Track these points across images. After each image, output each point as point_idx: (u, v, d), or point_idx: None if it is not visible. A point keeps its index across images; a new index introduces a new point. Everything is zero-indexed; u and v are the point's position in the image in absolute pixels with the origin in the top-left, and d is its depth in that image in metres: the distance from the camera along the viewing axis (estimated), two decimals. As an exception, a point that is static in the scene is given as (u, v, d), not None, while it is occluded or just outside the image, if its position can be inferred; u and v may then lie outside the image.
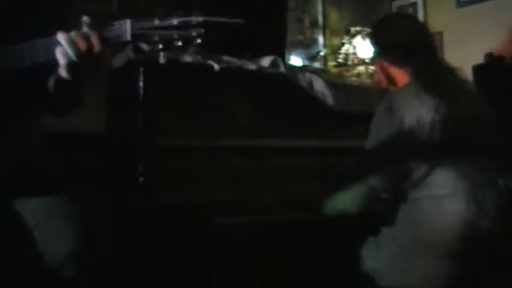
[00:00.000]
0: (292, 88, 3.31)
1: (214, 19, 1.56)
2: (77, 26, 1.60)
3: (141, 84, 2.76)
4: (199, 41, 1.55)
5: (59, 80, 1.70)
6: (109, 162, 2.97)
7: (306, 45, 4.93)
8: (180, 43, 1.54)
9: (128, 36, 1.55)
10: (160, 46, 1.56)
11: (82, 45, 1.57)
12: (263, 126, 3.09)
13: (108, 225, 2.07)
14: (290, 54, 4.65)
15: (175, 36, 1.54)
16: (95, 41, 1.58)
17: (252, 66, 3.17)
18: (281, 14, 4.39)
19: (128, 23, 1.56)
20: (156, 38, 1.55)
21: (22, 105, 1.91)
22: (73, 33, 1.57)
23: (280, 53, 3.93)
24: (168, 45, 1.56)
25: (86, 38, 1.58)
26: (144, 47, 1.63)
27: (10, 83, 1.70)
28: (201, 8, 3.33)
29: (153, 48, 1.60)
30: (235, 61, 3.05)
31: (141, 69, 2.74)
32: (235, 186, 2.84)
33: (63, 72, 1.62)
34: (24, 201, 1.88)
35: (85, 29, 1.59)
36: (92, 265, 1.80)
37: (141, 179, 2.68)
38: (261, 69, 3.22)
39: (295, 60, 4.74)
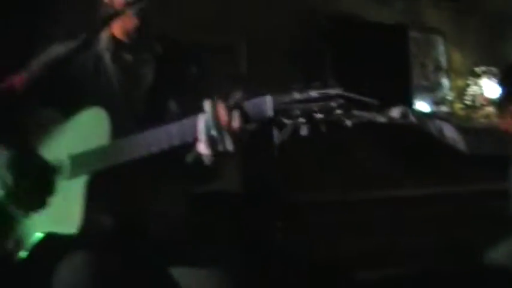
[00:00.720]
0: (423, 137, 3.30)
1: (351, 95, 1.49)
2: (219, 100, 1.60)
3: (275, 142, 2.85)
4: (339, 111, 1.49)
5: (199, 156, 1.71)
6: (246, 220, 3.04)
7: (431, 90, 4.90)
8: (320, 115, 1.48)
9: (270, 112, 1.52)
10: (302, 119, 1.49)
11: (224, 120, 1.57)
12: (397, 177, 3.10)
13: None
14: (416, 99, 4.63)
15: (316, 109, 1.48)
16: (237, 115, 1.56)
17: (382, 119, 3.19)
18: (404, 61, 4.39)
19: (268, 98, 1.53)
20: (297, 112, 1.50)
21: (170, 175, 2.02)
22: (215, 106, 1.59)
23: (407, 101, 3.94)
24: (309, 118, 1.49)
25: (228, 114, 1.57)
26: (286, 121, 1.52)
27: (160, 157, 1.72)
28: (329, 66, 3.38)
29: (294, 123, 1.50)
30: (365, 115, 3.07)
31: (275, 129, 2.83)
32: (373, 239, 2.86)
33: (203, 149, 1.64)
34: (178, 266, 1.96)
35: (228, 103, 1.58)
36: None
37: (279, 235, 2.74)
38: (391, 120, 3.23)
39: (421, 105, 4.72)
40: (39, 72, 2.04)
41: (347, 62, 3.77)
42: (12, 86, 2.08)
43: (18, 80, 2.11)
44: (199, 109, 1.62)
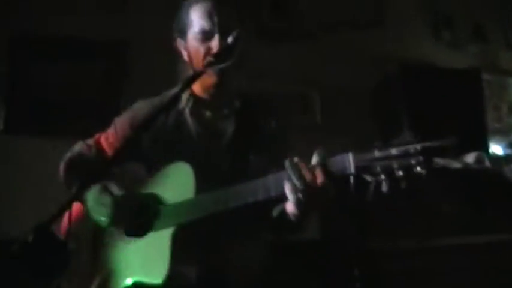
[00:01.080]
0: (499, 182, 3.28)
1: (431, 145, 1.50)
2: (302, 160, 1.63)
3: (352, 192, 2.87)
4: (419, 169, 1.48)
5: (285, 212, 1.78)
6: (324, 267, 3.05)
7: (505, 132, 4.85)
8: (401, 172, 1.48)
9: (352, 169, 1.54)
10: (382, 177, 1.51)
11: (308, 178, 1.60)
12: (473, 223, 3.08)
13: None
14: (489, 142, 4.59)
15: (396, 166, 1.49)
16: (320, 173, 1.58)
17: (457, 165, 3.18)
18: (479, 105, 4.38)
19: (350, 156, 1.55)
20: (378, 169, 1.51)
21: (254, 228, 2.07)
22: (298, 164, 1.62)
23: (482, 144, 3.92)
24: (390, 176, 1.50)
25: (312, 173, 1.60)
26: (367, 178, 1.53)
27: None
28: (404, 113, 3.38)
29: (376, 180, 1.52)
30: (440, 161, 3.07)
31: (351, 180, 2.86)
32: (450, 286, 2.84)
33: (291, 208, 1.70)
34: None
35: (313, 160, 1.61)
36: None
37: (358, 284, 2.75)
38: (466, 166, 3.22)
39: (495, 148, 4.67)
40: (126, 132, 2.15)
41: (422, 108, 3.78)
42: (100, 146, 2.20)
43: (104, 138, 2.23)
44: (280, 160, 1.66)
